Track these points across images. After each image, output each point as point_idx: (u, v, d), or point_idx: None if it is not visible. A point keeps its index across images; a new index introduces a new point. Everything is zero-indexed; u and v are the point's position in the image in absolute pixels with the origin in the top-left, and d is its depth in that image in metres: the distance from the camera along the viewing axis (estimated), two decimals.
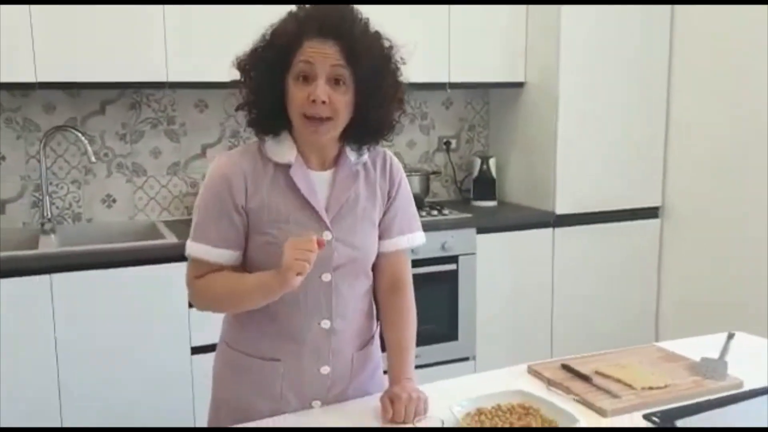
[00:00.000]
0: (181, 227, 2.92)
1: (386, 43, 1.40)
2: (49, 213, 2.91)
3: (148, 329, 2.60)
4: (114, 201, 3.06)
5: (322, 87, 1.33)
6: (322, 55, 1.32)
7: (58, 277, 2.47)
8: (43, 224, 2.89)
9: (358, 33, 1.35)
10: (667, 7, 3.37)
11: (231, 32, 2.75)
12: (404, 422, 1.38)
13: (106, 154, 3.02)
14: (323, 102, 1.33)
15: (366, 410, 1.46)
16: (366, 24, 1.38)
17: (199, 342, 2.65)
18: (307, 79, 1.34)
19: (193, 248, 1.42)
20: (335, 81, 1.34)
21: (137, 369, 2.59)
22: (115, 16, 2.65)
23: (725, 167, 3.20)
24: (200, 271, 1.42)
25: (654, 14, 3.35)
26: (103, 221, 3.05)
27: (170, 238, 2.72)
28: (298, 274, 1.26)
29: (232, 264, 1.42)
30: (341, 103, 1.35)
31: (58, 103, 2.92)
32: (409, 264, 1.59)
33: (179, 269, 2.54)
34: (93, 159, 2.84)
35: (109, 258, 2.55)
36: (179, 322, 2.63)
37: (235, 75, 1.41)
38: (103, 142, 3.01)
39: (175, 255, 2.61)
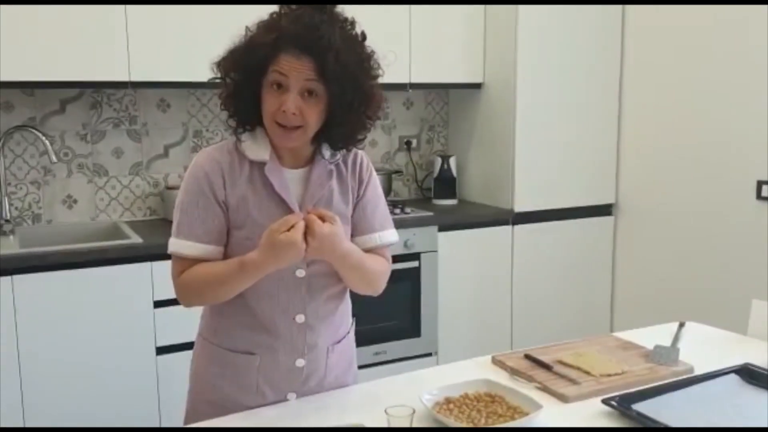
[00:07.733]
0: (144, 227, 2.91)
1: (365, 54, 1.40)
2: (8, 214, 2.87)
3: (112, 330, 2.58)
4: (75, 202, 3.03)
5: (293, 100, 1.35)
6: (296, 70, 1.34)
7: (19, 279, 2.44)
8: (1, 225, 2.84)
9: (334, 50, 1.34)
10: (618, 8, 3.46)
11: (194, 32, 2.77)
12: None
13: (66, 154, 2.99)
14: (293, 114, 1.36)
15: (341, 402, 1.50)
16: (346, 38, 1.37)
17: (164, 342, 2.64)
18: (280, 86, 1.36)
19: (177, 245, 1.44)
20: (308, 92, 1.36)
21: (101, 370, 2.58)
22: (76, 14, 2.62)
23: (674, 166, 3.32)
24: (185, 267, 1.44)
25: (606, 16, 3.44)
26: (64, 222, 3.01)
27: (133, 239, 2.71)
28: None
29: (215, 259, 1.45)
30: (312, 114, 1.38)
31: (16, 102, 2.88)
32: (384, 260, 1.58)
33: (143, 269, 2.60)
34: (54, 159, 2.81)
35: (72, 259, 2.53)
36: (144, 322, 2.63)
37: (208, 73, 1.45)
38: (63, 141, 2.98)
39: (139, 255, 2.61)
